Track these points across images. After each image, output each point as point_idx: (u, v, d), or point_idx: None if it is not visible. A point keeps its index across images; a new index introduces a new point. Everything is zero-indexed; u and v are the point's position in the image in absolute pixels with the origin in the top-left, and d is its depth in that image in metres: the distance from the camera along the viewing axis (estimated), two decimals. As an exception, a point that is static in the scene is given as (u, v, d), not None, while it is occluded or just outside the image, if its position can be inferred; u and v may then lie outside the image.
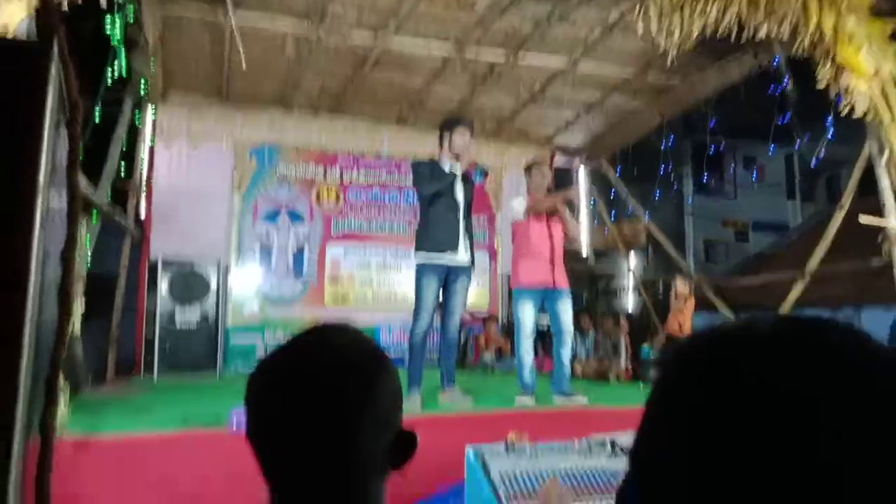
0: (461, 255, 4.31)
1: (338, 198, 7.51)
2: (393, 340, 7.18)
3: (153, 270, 6.27)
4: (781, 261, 10.34)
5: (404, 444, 0.80)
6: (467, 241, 4.35)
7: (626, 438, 2.42)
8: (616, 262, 8.99)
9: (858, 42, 4.01)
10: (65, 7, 2.41)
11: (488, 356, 7.03)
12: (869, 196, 4.89)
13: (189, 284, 6.13)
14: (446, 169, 4.31)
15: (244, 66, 4.98)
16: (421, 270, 4.28)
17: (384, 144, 7.65)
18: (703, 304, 7.06)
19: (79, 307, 4.35)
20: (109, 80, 4.95)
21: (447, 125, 4.47)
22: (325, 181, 7.47)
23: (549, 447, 2.40)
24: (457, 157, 4.33)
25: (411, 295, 4.41)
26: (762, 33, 4.14)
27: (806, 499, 0.39)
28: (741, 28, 4.17)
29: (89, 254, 4.88)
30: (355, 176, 7.60)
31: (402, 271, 7.37)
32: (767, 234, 17.53)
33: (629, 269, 8.82)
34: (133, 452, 2.90)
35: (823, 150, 6.51)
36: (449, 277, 4.30)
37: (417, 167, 4.41)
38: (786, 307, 6.13)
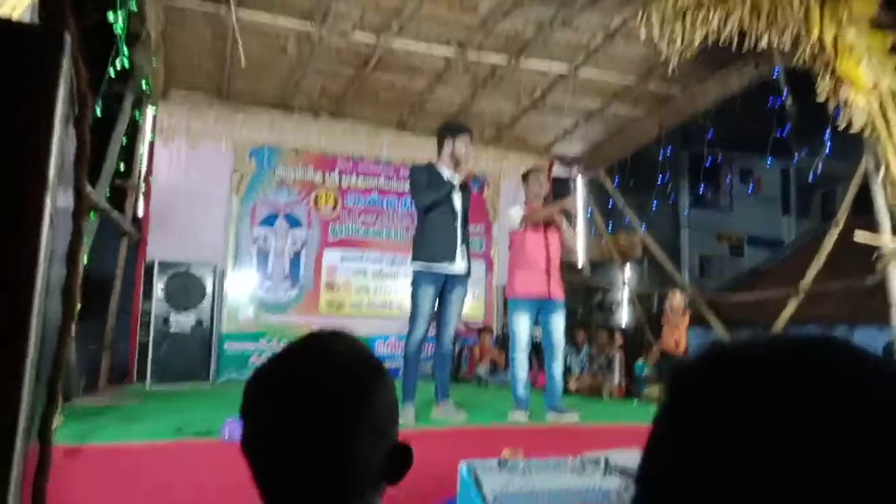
0: (458, 264, 4.28)
1: (336, 203, 7.49)
2: (388, 350, 7.14)
3: (149, 273, 6.20)
4: (776, 277, 10.38)
5: (400, 458, 0.80)
6: (465, 250, 4.33)
7: (620, 457, 2.40)
8: (611, 275, 8.98)
9: (858, 54, 4.03)
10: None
11: (482, 369, 6.99)
12: (864, 213, 4.89)
13: (185, 288, 6.07)
14: (445, 176, 4.30)
15: (244, 62, 4.97)
16: (418, 278, 4.24)
17: (384, 149, 7.65)
18: (697, 320, 7.05)
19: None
20: (111, 75, 4.90)
21: (449, 131, 4.44)
22: (323, 185, 7.45)
23: (543, 464, 2.37)
24: (456, 165, 4.32)
25: (407, 303, 4.38)
26: (763, 43, 4.16)
27: None
28: (742, 37, 4.19)
29: (86, 254, 4.83)
30: (354, 181, 7.58)
31: (398, 279, 7.34)
32: (762, 250, 17.61)
33: (624, 283, 8.82)
34: (125, 462, 2.86)
35: (821, 165, 6.54)
36: (445, 287, 4.27)
37: (415, 173, 4.37)
38: (779, 324, 6.12)
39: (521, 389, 4.38)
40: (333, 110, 7.20)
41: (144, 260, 6.48)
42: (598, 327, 7.75)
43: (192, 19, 5.37)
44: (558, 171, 8.27)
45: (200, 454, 3.01)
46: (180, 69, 6.32)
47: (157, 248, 6.42)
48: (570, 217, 4.89)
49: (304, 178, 7.37)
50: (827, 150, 6.13)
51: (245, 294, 6.99)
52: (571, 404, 4.70)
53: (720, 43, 4.26)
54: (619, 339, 7.13)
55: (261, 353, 6.77)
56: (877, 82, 4.08)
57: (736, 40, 4.20)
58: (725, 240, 18.66)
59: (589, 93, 6.68)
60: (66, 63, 0.64)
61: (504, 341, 7.10)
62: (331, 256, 7.39)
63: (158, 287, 5.99)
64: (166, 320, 5.99)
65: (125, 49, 4.80)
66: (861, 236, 4.52)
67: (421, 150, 6.80)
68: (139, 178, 6.50)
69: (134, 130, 6.32)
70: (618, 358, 6.82)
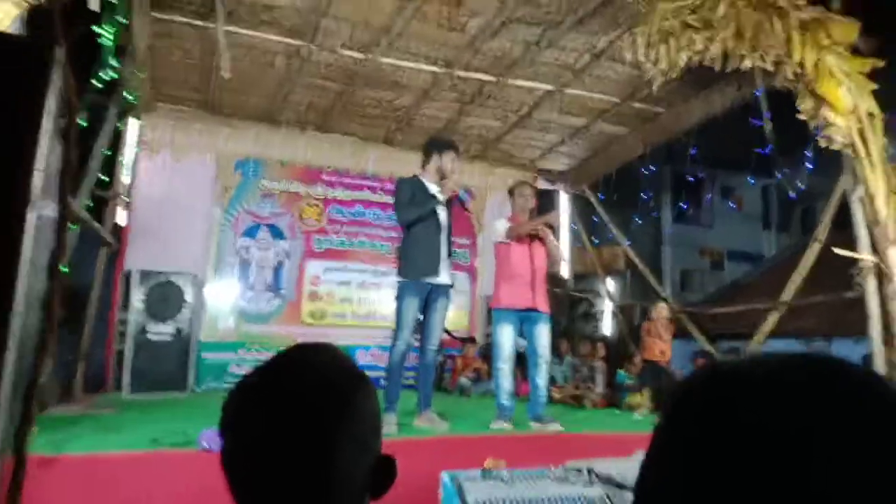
0: (443, 276, 4.30)
1: (319, 214, 7.46)
2: (370, 360, 7.10)
3: (128, 282, 6.13)
4: (756, 290, 10.49)
5: (384, 471, 0.80)
6: (449, 262, 4.35)
7: (604, 466, 2.41)
8: (594, 287, 9.04)
9: (838, 78, 4.12)
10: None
11: (465, 379, 6.98)
12: (843, 229, 4.98)
13: (165, 297, 6.00)
14: (431, 190, 4.30)
15: (226, 73, 4.95)
16: (402, 289, 4.25)
17: (370, 163, 7.65)
18: (679, 332, 7.12)
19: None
20: (96, 87, 4.86)
21: (436, 147, 4.46)
22: (307, 197, 7.42)
23: (526, 474, 2.37)
24: (441, 179, 4.33)
25: (390, 313, 4.38)
26: (746, 65, 4.23)
27: None
28: (726, 59, 4.26)
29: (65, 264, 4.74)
30: (338, 193, 7.57)
31: (382, 289, 7.32)
32: (742, 264, 17.82)
33: (607, 294, 8.87)
34: (102, 472, 2.81)
35: (801, 182, 6.65)
36: (430, 296, 4.28)
37: (401, 188, 4.36)
38: (760, 338, 6.19)
39: (505, 399, 4.39)
40: (320, 125, 7.20)
41: (122, 269, 6.41)
42: (581, 337, 7.79)
43: (179, 33, 5.35)
44: (543, 185, 8.34)
45: (178, 465, 2.97)
46: (166, 82, 6.29)
47: (138, 258, 6.35)
48: (554, 231, 4.92)
49: (288, 189, 7.34)
50: (808, 169, 6.23)
51: (226, 304, 6.93)
52: (554, 413, 4.70)
53: (704, 64, 4.32)
54: (601, 350, 7.16)
55: (240, 363, 6.71)
56: (856, 105, 4.16)
57: (719, 62, 4.27)
58: (707, 254, 18.87)
59: (575, 110, 6.74)
60: (56, 77, 0.63)
61: (487, 351, 7.11)
62: (314, 267, 7.35)
63: (138, 296, 5.92)
64: (144, 329, 5.91)
65: (112, 61, 4.76)
66: (841, 252, 4.59)
67: (407, 164, 6.79)
68: (120, 188, 6.44)
69: (117, 141, 6.26)
70: (600, 368, 6.85)
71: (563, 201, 8.48)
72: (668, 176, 16.10)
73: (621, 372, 6.87)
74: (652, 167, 8.19)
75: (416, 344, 4.40)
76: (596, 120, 6.95)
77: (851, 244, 4.58)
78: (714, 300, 13.36)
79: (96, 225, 5.71)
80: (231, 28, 5.11)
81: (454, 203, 4.44)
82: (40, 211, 0.61)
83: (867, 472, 0.40)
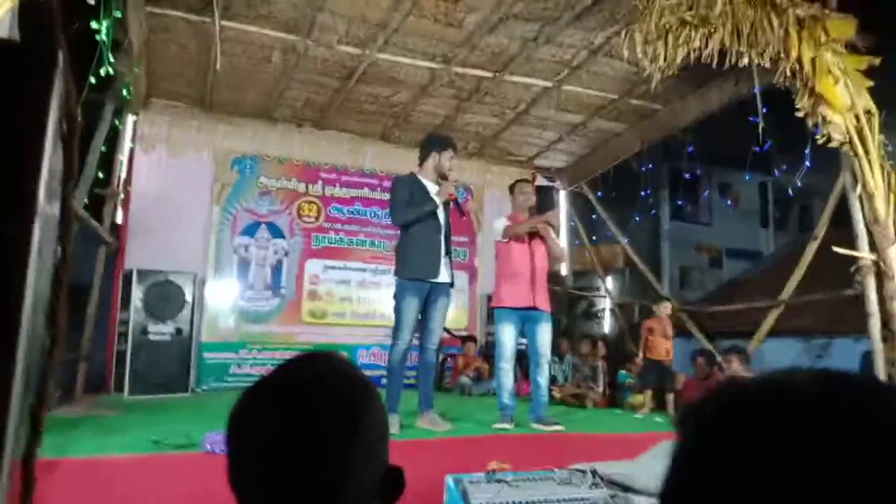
0: (442, 276, 4.27)
1: (318, 212, 7.46)
2: (371, 360, 7.11)
3: (127, 281, 6.11)
4: (754, 288, 10.49)
5: (392, 481, 0.80)
6: (448, 261, 4.32)
7: (607, 468, 2.41)
8: (594, 285, 9.04)
9: (836, 75, 4.13)
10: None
11: (466, 378, 6.98)
12: (842, 227, 4.98)
13: (165, 297, 5.99)
14: (429, 189, 4.26)
15: (219, 64, 4.94)
16: (402, 288, 4.22)
17: (368, 160, 7.65)
18: (678, 330, 7.12)
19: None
20: (92, 83, 4.84)
21: (435, 145, 4.40)
22: (306, 195, 7.41)
23: (530, 476, 2.37)
24: (440, 178, 4.31)
25: (390, 312, 4.35)
26: (744, 61, 4.24)
27: None
28: (723, 56, 4.26)
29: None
30: (337, 190, 7.56)
31: (381, 288, 7.31)
32: (740, 261, 17.81)
33: (606, 292, 8.88)
34: (104, 475, 2.81)
35: (798, 179, 6.65)
36: (430, 296, 4.24)
37: (397, 186, 4.29)
38: (759, 336, 6.21)
39: (507, 399, 4.38)
40: (317, 121, 7.20)
41: (122, 268, 6.39)
42: (582, 336, 7.78)
43: (175, 29, 5.34)
44: (541, 182, 8.33)
45: (180, 467, 2.96)
46: (163, 78, 6.28)
47: (136, 257, 6.33)
48: (554, 229, 4.92)
49: (286, 187, 7.33)
50: (806, 166, 6.24)
51: (226, 303, 6.92)
52: (555, 413, 4.70)
53: (701, 61, 4.32)
54: (602, 349, 7.16)
55: (241, 363, 6.71)
56: (853, 102, 4.18)
57: (717, 59, 4.28)
58: (705, 251, 18.85)
59: (572, 107, 6.75)
60: (58, 81, 0.63)
61: (488, 350, 7.11)
62: (313, 266, 7.35)
63: (137, 296, 5.90)
64: (145, 329, 5.90)
65: (109, 57, 4.75)
66: (840, 250, 4.60)
67: (405, 161, 6.78)
68: (118, 186, 6.42)
69: (114, 138, 6.24)
70: (601, 367, 6.84)
71: (562, 199, 8.48)
72: (666, 173, 16.07)
73: (622, 371, 6.86)
74: (650, 164, 8.20)
75: (416, 343, 4.40)
76: (593, 117, 6.95)
77: (850, 242, 4.59)
78: (713, 298, 13.35)
79: (95, 223, 5.70)
80: (227, 23, 5.10)
81: (451, 205, 4.42)
82: (46, 216, 0.61)
83: (871, 487, 0.41)
